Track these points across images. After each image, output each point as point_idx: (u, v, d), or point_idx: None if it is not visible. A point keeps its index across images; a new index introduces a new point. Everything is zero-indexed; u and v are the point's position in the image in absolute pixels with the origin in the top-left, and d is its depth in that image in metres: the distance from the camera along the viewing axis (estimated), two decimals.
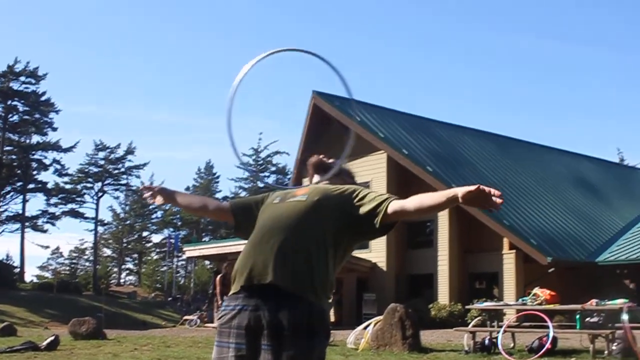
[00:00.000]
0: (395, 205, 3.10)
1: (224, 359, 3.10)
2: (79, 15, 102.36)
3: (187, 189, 77.23)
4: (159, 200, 3.79)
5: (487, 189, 2.79)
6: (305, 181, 3.54)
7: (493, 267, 29.24)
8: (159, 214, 76.09)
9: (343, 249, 3.29)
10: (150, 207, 75.61)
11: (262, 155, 74.48)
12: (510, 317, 19.02)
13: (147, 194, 3.81)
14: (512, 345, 14.48)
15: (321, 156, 3.58)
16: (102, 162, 67.33)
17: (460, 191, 2.86)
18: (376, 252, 31.05)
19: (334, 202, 3.22)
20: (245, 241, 3.31)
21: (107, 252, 77.17)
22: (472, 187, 2.81)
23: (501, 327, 14.52)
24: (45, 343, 15.94)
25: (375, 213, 3.14)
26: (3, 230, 60.96)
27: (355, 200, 3.22)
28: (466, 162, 33.57)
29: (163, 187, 3.81)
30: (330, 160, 3.55)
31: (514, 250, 28.52)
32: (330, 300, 3.26)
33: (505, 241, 28.82)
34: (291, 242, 3.09)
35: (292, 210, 3.20)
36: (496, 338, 13.82)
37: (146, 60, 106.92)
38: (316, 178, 3.54)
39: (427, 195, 3.07)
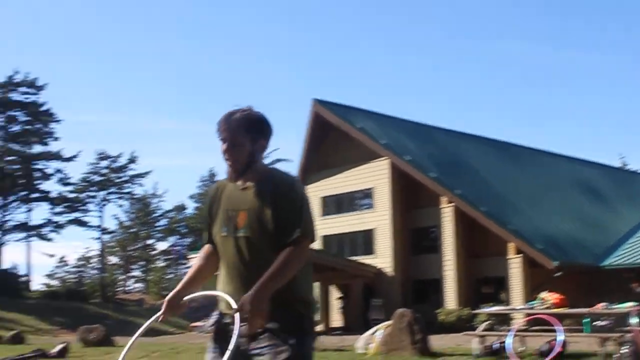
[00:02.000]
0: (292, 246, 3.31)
1: None
2: (79, 24, 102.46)
3: (192, 197, 77.04)
4: (174, 310, 3.61)
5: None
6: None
7: (499, 272, 29.30)
8: (164, 221, 76.00)
9: None
10: (154, 215, 75.52)
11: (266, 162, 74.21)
12: (518, 321, 19.08)
13: (163, 315, 3.61)
14: (519, 349, 14.53)
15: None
16: (104, 171, 67.27)
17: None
18: (382, 257, 31.16)
19: (269, 219, 3.38)
20: None
21: (113, 260, 77.07)
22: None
23: (509, 331, 14.58)
24: (55, 350, 16.05)
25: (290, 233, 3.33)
26: (9, 240, 60.98)
27: (282, 216, 3.37)
28: (469, 168, 33.61)
29: (167, 300, 3.60)
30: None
31: (520, 255, 28.59)
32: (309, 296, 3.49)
33: (511, 246, 28.88)
34: (254, 276, 3.29)
35: (241, 251, 3.43)
36: (504, 342, 13.89)
37: (144, 68, 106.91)
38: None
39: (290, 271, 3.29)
